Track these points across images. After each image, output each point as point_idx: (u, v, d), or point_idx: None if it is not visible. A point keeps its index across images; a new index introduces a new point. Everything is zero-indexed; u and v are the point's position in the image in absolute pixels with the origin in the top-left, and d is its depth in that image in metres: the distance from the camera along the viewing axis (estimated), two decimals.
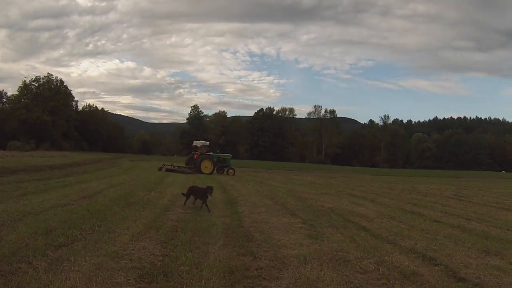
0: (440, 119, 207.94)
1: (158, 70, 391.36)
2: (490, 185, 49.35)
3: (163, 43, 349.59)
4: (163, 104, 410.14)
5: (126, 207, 14.80)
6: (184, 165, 44.17)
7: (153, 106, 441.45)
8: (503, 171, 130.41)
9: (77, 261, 7.88)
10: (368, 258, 9.72)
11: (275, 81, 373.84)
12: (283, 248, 10.27)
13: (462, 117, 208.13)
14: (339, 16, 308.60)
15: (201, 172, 40.90)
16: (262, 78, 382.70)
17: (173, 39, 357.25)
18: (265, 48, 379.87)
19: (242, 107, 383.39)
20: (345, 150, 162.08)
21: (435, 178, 66.42)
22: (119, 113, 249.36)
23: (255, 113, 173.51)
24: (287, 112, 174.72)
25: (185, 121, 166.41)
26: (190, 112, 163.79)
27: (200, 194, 16.22)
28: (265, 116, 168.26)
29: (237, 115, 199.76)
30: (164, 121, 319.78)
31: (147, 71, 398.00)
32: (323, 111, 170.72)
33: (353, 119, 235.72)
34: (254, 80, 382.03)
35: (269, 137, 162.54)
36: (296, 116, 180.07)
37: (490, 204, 25.14)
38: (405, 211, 19.54)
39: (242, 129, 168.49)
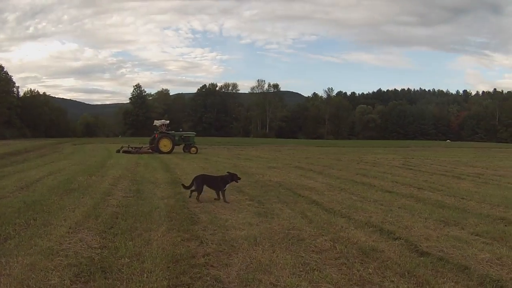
0: (384, 91, 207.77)
1: (99, 51, 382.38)
2: (436, 154, 49.76)
3: (104, 23, 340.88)
4: (106, 85, 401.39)
5: (65, 195, 13.79)
6: (139, 146, 43.63)
7: (95, 87, 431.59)
8: (448, 140, 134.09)
9: (8, 263, 6.97)
10: (323, 235, 9.23)
11: (218, 57, 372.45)
12: (231, 229, 9.65)
13: (406, 89, 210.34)
14: None
15: (160, 152, 39.94)
16: (205, 54, 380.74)
17: (114, 19, 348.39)
18: (207, 25, 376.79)
19: (185, 84, 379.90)
20: (290, 123, 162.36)
21: (381, 148, 66.54)
22: (62, 97, 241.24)
23: (198, 89, 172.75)
24: (230, 88, 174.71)
25: (128, 101, 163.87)
26: (133, 91, 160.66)
27: (215, 183, 13.77)
28: (208, 92, 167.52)
29: (181, 92, 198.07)
30: (107, 102, 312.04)
31: (88, 52, 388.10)
32: (266, 86, 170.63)
33: (297, 93, 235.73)
34: (196, 57, 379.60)
35: (212, 113, 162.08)
36: (240, 91, 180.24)
37: (440, 173, 25.03)
38: (355, 182, 19.27)
39: (186, 106, 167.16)
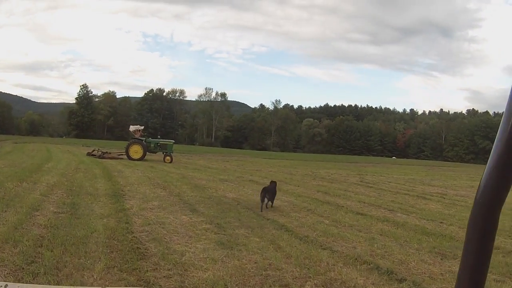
0: (331, 106, 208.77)
1: (50, 47, 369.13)
2: (388, 171, 49.19)
3: (57, 18, 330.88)
4: (54, 83, 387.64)
5: None
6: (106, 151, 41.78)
7: (43, 85, 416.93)
8: (394, 157, 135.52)
9: None
10: (310, 278, 7.27)
11: (167, 62, 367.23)
12: (190, 268, 7.37)
13: (353, 105, 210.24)
14: (236, 1, 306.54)
15: (130, 158, 37.61)
16: (154, 59, 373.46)
17: (67, 15, 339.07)
18: (159, 29, 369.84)
19: (132, 88, 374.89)
20: (235, 133, 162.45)
21: (330, 163, 65.58)
22: (8, 92, 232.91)
23: (145, 93, 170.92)
24: (177, 94, 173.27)
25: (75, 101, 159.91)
26: (79, 91, 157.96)
27: (272, 192, 15.00)
28: (155, 97, 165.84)
29: (128, 95, 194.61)
30: (54, 101, 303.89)
31: (39, 47, 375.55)
32: (214, 94, 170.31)
33: (243, 103, 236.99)
34: (146, 61, 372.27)
35: (158, 119, 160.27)
36: (187, 98, 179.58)
37: (402, 192, 24.06)
38: (319, 201, 17.64)
39: (132, 110, 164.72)
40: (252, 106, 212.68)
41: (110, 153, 40.87)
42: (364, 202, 18.07)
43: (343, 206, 16.29)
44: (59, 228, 9.50)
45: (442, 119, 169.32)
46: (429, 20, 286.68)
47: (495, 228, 1.12)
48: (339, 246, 9.70)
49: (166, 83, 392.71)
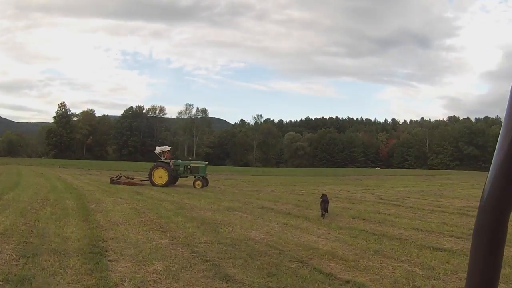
0: (312, 119, 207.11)
1: (29, 66, 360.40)
2: (388, 183, 47.11)
3: (36, 37, 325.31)
4: (33, 102, 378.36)
5: None
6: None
7: (22, 104, 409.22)
8: (377, 167, 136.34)
9: None
10: None
11: (146, 80, 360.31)
12: None
13: (334, 117, 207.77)
14: (215, 18, 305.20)
15: (154, 184, 32.73)
16: (133, 77, 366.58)
17: (46, 34, 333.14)
18: (138, 47, 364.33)
19: (112, 106, 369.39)
20: (217, 149, 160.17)
21: (323, 178, 63.39)
22: None
23: (125, 111, 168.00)
24: (157, 111, 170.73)
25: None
26: (57, 110, 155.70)
27: (328, 203, 17.70)
28: (135, 114, 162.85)
29: (107, 114, 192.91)
30: (34, 121, 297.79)
31: (17, 66, 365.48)
32: (194, 110, 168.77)
33: (223, 119, 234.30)
34: (125, 79, 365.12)
35: (138, 137, 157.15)
36: (167, 116, 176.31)
37: (435, 209, 21.55)
38: (367, 232, 13.88)
39: (111, 129, 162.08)
40: (232, 122, 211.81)
41: (132, 178, 35.83)
42: (417, 229, 14.80)
43: (403, 239, 12.86)
44: None
45: (424, 128, 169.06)
46: (406, 30, 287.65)
47: (505, 237, 1.04)
48: None
49: (145, 101, 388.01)
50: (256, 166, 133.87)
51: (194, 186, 32.42)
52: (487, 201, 1.02)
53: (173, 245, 10.80)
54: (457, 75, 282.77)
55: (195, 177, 33.75)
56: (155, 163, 34.88)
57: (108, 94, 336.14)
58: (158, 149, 36.92)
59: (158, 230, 13.03)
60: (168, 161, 34.52)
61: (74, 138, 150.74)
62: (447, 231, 14.53)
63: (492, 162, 0.99)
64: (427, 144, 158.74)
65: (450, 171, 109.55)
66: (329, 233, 13.56)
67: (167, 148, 37.28)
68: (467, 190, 38.32)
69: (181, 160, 36.76)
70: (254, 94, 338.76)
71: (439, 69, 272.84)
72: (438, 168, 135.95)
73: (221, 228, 13.52)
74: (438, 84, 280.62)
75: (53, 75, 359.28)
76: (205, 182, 33.59)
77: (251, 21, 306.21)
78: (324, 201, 17.53)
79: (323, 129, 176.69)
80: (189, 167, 35.30)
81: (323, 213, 17.20)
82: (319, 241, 12.19)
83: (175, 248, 10.45)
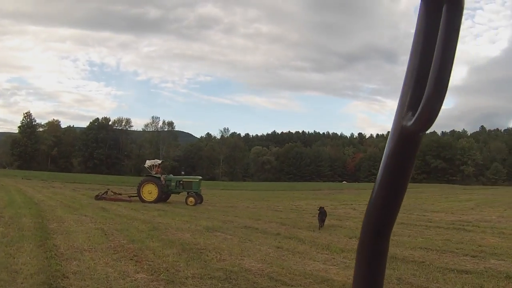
0: (278, 133, 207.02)
1: None
2: (363, 197, 45.19)
3: (4, 45, 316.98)
4: None
5: None
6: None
7: None
8: (344, 181, 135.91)
9: None
10: None
11: (113, 92, 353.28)
12: None
13: (301, 132, 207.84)
14: (183, 30, 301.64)
15: (143, 200, 30.40)
16: (99, 88, 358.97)
17: (14, 42, 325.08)
18: (105, 58, 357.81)
19: (77, 118, 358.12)
20: (183, 163, 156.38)
21: (293, 192, 62.95)
22: None
23: (90, 122, 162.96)
24: (123, 123, 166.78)
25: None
26: (22, 120, 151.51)
27: (325, 215, 18.84)
28: (100, 126, 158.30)
29: (73, 125, 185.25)
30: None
31: None
32: (160, 123, 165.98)
33: (188, 133, 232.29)
34: (91, 91, 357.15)
35: (104, 149, 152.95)
36: (133, 128, 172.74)
37: (423, 224, 21.17)
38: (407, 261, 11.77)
39: (77, 140, 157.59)
40: (198, 136, 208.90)
41: (120, 194, 33.45)
42: (425, 249, 13.73)
43: (419, 262, 11.66)
44: None
45: None
46: (373, 46, 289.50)
47: (387, 251, 1.08)
48: None
49: (111, 113, 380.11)
50: (222, 180, 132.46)
51: (187, 203, 30.07)
52: (374, 205, 1.02)
53: (153, 282, 8.53)
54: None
55: (188, 193, 31.40)
56: (144, 178, 32.77)
57: (74, 105, 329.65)
58: (148, 163, 34.51)
59: (131, 259, 10.70)
60: (158, 175, 32.19)
61: (38, 149, 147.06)
62: (457, 249, 13.67)
63: (380, 166, 1.00)
64: None
65: (419, 184, 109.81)
66: (333, 258, 11.85)
67: (158, 161, 34.98)
68: (445, 204, 38.58)
69: (173, 175, 34.19)
70: (220, 107, 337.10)
71: None
72: None
73: (207, 255, 11.30)
74: None
75: (20, 85, 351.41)
76: (199, 199, 31.27)
77: (219, 34, 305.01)
78: (322, 213, 18.54)
79: (289, 143, 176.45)
80: (181, 182, 32.72)
81: (321, 225, 18.23)
82: (327, 269, 10.35)
83: (157, 287, 8.25)
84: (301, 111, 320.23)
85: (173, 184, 32.13)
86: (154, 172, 32.55)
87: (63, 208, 22.97)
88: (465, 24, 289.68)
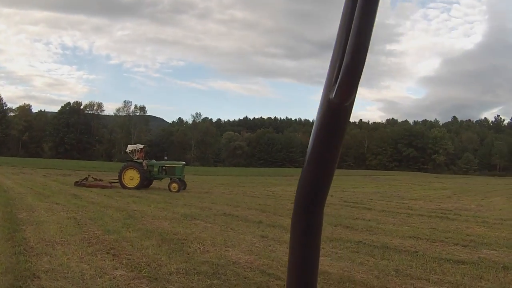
0: (250, 119, 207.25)
1: None
2: (337, 183, 44.35)
3: None
4: None
5: None
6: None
7: None
8: None
9: None
10: None
11: (85, 76, 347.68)
12: None
13: (273, 118, 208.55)
14: (157, 15, 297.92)
15: (124, 186, 29.25)
16: (71, 72, 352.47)
17: None
18: (78, 41, 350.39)
19: (49, 102, 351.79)
20: (154, 148, 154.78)
21: (268, 178, 62.49)
22: None
23: (62, 107, 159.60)
24: (95, 107, 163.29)
25: None
26: None
27: None
28: (72, 110, 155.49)
29: (44, 110, 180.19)
30: None
31: None
32: (132, 108, 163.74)
33: (160, 118, 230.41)
34: (63, 74, 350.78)
35: (75, 134, 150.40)
36: (105, 113, 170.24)
37: (404, 211, 21.06)
38: (365, 244, 12.22)
39: (48, 125, 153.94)
40: (169, 121, 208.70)
41: (100, 180, 32.02)
42: (414, 237, 13.55)
43: (412, 251, 11.46)
44: None
45: (364, 129, 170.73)
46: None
47: (321, 225, 1.09)
48: None
49: (83, 97, 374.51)
50: (194, 165, 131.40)
51: (170, 190, 28.94)
52: (302, 192, 1.03)
53: (134, 280, 7.74)
54: (396, 79, 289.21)
55: (171, 179, 30.19)
56: (126, 163, 31.41)
57: (46, 89, 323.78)
58: (130, 147, 33.34)
59: (108, 252, 9.84)
60: (140, 161, 31.00)
61: (9, 134, 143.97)
62: (446, 238, 13.55)
63: (307, 155, 1.01)
64: (366, 146, 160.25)
65: (391, 172, 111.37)
66: (323, 248, 10.79)
67: (140, 146, 33.32)
68: (421, 191, 38.94)
69: (156, 160, 33.06)
70: (192, 92, 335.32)
71: (378, 73, 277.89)
72: (377, 169, 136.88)
73: (189, 247, 10.57)
74: (375, 88, 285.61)
75: None
76: (183, 185, 30.19)
77: (193, 19, 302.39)
78: None
79: (261, 129, 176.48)
80: (164, 167, 31.56)
81: None
82: (320, 260, 9.51)
83: (139, 285, 7.49)
84: (273, 97, 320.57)
85: (155, 169, 31.12)
86: (136, 157, 31.42)
87: (33, 196, 21.88)
88: (441, 17, 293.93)
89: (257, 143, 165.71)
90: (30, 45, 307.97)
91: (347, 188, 38.29)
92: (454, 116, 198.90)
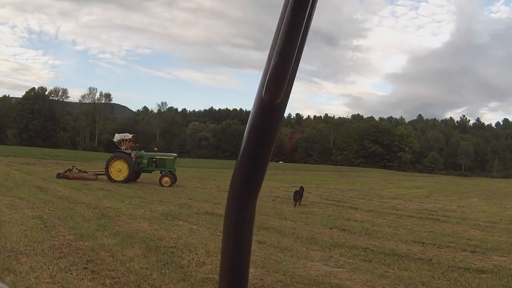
0: (215, 110, 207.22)
1: None
2: (307, 179, 46.88)
3: None
4: None
5: None
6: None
7: None
8: (281, 162, 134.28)
9: None
10: None
11: (50, 61, 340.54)
12: None
13: (238, 109, 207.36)
14: (124, 0, 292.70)
15: (112, 179, 27.18)
16: (37, 57, 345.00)
17: None
18: (44, 26, 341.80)
19: (13, 87, 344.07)
20: None
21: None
22: None
23: (26, 92, 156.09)
24: (60, 93, 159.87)
25: None
26: None
27: (300, 195, 20.96)
28: (36, 96, 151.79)
29: (8, 95, 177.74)
30: None
31: None
32: (98, 95, 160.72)
33: (125, 106, 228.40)
34: (28, 59, 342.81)
35: (40, 121, 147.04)
36: (70, 99, 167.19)
37: (394, 212, 20.49)
38: (373, 251, 11.32)
39: (12, 111, 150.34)
40: (134, 109, 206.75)
41: (85, 172, 29.93)
42: (419, 243, 12.87)
43: (426, 259, 10.73)
44: None
45: (329, 124, 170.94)
46: (314, 28, 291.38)
47: (253, 218, 1.11)
48: None
49: (48, 83, 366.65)
50: None
51: (161, 184, 27.39)
52: (235, 185, 1.05)
53: None
54: (362, 75, 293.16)
55: (161, 172, 28.55)
56: (113, 154, 29.15)
57: (11, 74, 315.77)
58: (117, 137, 30.92)
59: (85, 268, 8.02)
60: (129, 151, 28.88)
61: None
62: (449, 243, 13.01)
63: (241, 150, 1.04)
64: (331, 140, 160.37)
65: (359, 168, 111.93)
66: (331, 256, 10.32)
67: (129, 136, 30.79)
68: (393, 190, 38.79)
69: (146, 151, 30.97)
70: (158, 81, 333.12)
71: (344, 68, 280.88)
72: (342, 165, 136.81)
73: (181, 257, 9.02)
74: (341, 83, 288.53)
75: None
76: (174, 179, 28.48)
77: (160, 6, 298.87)
78: (297, 193, 20.95)
79: (227, 120, 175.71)
80: (154, 159, 29.59)
81: (296, 203, 20.48)
82: (335, 272, 8.77)
83: None
84: (239, 89, 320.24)
85: (145, 161, 29.18)
86: (124, 148, 29.30)
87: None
88: (409, 15, 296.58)
89: (222, 135, 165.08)
90: None
91: (320, 185, 38.10)
92: (419, 114, 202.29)
